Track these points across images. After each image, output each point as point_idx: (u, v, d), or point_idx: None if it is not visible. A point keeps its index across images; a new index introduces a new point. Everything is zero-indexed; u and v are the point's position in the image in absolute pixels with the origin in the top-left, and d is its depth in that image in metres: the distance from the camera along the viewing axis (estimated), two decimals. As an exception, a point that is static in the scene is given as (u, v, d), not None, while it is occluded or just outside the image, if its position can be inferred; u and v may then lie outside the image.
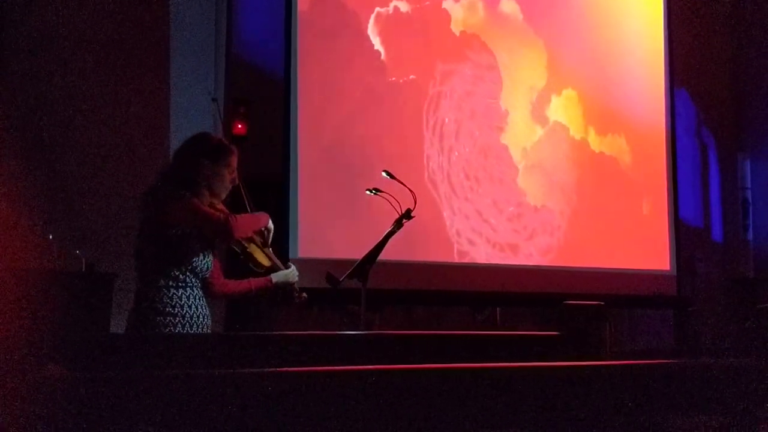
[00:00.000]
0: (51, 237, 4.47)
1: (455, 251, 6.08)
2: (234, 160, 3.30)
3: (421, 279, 5.78)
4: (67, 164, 5.00)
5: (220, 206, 3.33)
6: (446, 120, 6.25)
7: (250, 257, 3.38)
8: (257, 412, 2.04)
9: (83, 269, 4.53)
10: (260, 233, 3.41)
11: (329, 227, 5.42)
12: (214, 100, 4.46)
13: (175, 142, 5.31)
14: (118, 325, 4.47)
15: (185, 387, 2.00)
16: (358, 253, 3.77)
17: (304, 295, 3.50)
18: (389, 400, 2.20)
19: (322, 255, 5.18)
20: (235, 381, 2.06)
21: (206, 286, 3.32)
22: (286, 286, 3.44)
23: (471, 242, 6.15)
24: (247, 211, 3.50)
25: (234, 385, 2.04)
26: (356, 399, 2.16)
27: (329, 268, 3.72)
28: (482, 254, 6.18)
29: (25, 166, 4.50)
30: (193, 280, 3.22)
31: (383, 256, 3.74)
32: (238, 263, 3.46)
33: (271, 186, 5.29)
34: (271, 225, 3.43)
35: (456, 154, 6.25)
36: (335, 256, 5.07)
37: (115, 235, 4.94)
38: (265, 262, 3.41)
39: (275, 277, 3.41)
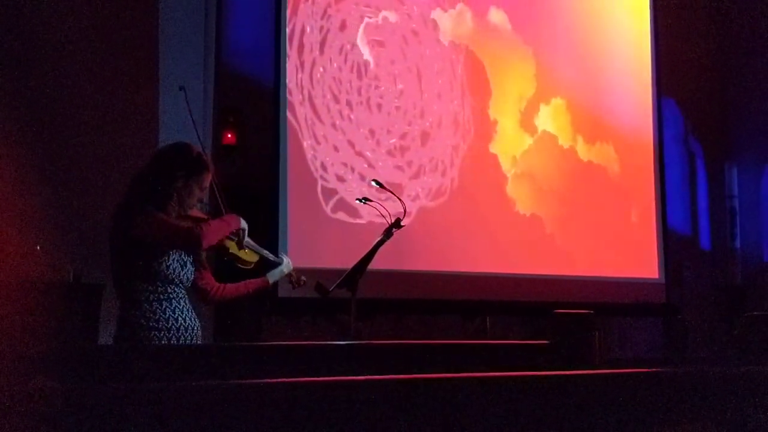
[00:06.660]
0: (39, 248, 4.44)
1: (319, 188, 5.28)
2: (207, 179, 3.17)
3: (411, 288, 5.77)
4: (55, 174, 4.97)
5: (195, 212, 3.23)
6: (307, 28, 5.30)
7: (236, 258, 3.31)
8: (246, 423, 2.04)
9: (71, 280, 4.51)
10: (236, 234, 3.28)
11: (319, 236, 5.42)
12: (181, 88, 4.19)
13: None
14: (106, 336, 4.45)
15: (173, 399, 1.99)
16: (348, 263, 3.77)
17: (303, 279, 3.51)
18: (379, 410, 2.20)
19: (312, 264, 5.16)
20: (224, 392, 2.05)
21: (202, 293, 3.30)
22: (283, 279, 3.46)
23: (340, 178, 5.31)
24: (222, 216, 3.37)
25: (222, 396, 2.04)
26: (346, 409, 2.15)
27: (319, 277, 3.72)
28: (354, 192, 5.24)
29: (12, 176, 4.47)
30: (176, 290, 3.14)
31: (373, 265, 3.75)
32: (226, 265, 3.41)
33: (260, 195, 5.28)
34: (244, 224, 3.28)
35: (321, 70, 5.31)
36: (325, 265, 5.06)
37: (104, 246, 4.91)
38: (252, 258, 3.35)
39: (271, 277, 3.40)
